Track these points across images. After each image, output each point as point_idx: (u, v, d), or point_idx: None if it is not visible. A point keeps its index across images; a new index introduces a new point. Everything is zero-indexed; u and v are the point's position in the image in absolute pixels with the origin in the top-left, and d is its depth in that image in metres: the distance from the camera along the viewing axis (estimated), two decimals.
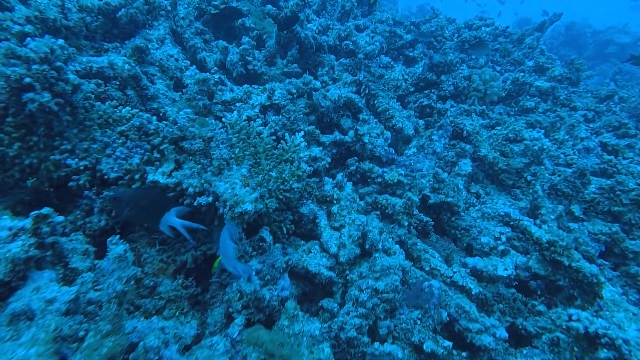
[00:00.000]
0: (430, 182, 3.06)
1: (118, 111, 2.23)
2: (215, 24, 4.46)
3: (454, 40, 5.68)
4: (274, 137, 2.74)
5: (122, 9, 3.42)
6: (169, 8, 3.75)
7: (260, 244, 2.32)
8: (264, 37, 4.39)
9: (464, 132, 3.61)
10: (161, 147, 2.06)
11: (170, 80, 3.05)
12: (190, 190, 1.96)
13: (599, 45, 12.56)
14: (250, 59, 3.73)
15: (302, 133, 2.75)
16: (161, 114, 2.22)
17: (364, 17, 5.69)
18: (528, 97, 4.81)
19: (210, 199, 1.94)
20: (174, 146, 2.11)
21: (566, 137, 4.16)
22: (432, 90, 4.46)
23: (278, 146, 2.73)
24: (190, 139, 2.13)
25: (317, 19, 4.92)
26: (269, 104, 3.22)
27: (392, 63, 5.01)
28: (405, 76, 4.80)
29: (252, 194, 1.92)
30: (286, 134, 2.73)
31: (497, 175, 3.42)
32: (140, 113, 2.06)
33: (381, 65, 4.86)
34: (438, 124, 3.52)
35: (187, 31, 3.84)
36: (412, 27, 6.89)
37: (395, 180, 2.99)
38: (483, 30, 5.55)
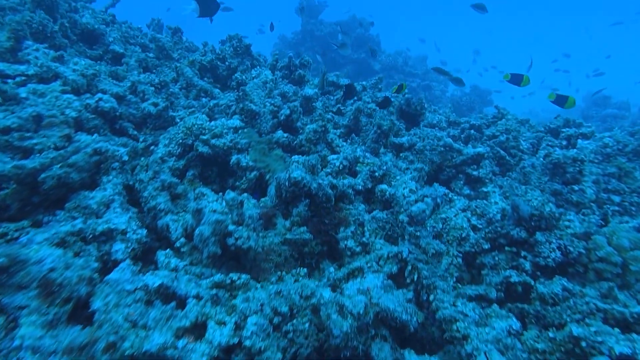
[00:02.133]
0: None
1: None
2: (205, 160, 3.35)
3: (538, 158, 4.08)
4: None
5: (50, 168, 2.37)
6: (126, 158, 2.66)
7: None
8: (267, 177, 3.16)
9: None
10: None
11: (64, 303, 1.76)
12: None
13: None
14: (232, 228, 2.42)
15: None
16: None
17: (408, 132, 4.35)
18: None
19: None
20: None
21: None
22: (524, 254, 2.80)
23: None
24: None
25: (344, 144, 3.67)
26: (236, 341, 1.77)
27: (450, 195, 3.51)
28: (474, 220, 3.23)
29: None
30: None
31: None
32: None
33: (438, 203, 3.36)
34: None
35: (149, 186, 2.68)
36: (472, 131, 5.52)
37: None
38: (582, 146, 3.92)
